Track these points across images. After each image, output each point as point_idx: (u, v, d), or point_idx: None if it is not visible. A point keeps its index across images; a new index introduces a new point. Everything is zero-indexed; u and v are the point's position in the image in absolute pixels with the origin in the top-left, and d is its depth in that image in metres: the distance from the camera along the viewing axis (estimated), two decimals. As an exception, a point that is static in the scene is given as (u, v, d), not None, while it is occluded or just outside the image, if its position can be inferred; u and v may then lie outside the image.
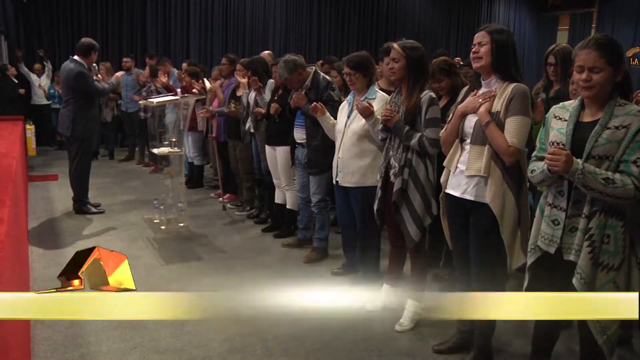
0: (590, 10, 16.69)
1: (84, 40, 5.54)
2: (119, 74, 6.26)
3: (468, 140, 2.59)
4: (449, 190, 2.72)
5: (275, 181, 4.91)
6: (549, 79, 3.54)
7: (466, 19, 16.61)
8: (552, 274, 2.30)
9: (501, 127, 2.47)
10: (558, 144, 2.16)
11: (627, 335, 3.07)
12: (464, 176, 2.60)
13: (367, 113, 3.32)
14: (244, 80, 5.29)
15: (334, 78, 4.47)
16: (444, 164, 2.74)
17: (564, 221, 2.17)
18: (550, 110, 2.35)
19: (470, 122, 2.58)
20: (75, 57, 5.41)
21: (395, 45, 3.10)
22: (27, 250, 4.06)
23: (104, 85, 5.66)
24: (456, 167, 2.65)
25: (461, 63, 4.78)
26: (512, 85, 2.49)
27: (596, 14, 16.51)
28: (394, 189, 3.06)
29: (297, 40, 13.42)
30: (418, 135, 2.99)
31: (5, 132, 5.28)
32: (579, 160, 2.05)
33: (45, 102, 9.84)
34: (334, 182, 3.76)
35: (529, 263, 2.35)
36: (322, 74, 4.32)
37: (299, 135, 4.32)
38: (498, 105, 2.50)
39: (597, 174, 2.02)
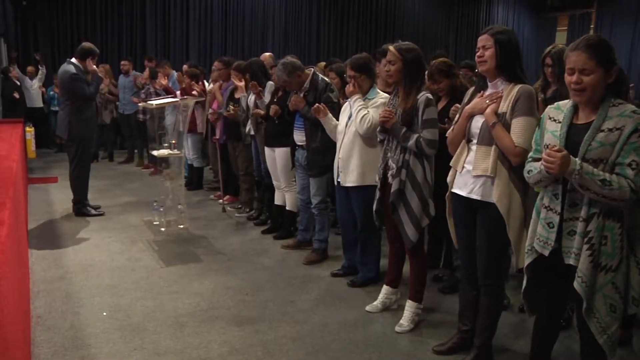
0: (589, 11, 16.75)
1: (85, 44, 5.55)
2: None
3: (475, 141, 2.62)
4: (455, 190, 2.74)
5: (274, 182, 4.91)
6: (546, 80, 3.55)
7: (465, 20, 16.67)
8: (548, 274, 2.31)
9: (507, 127, 2.49)
10: (553, 147, 2.14)
11: (627, 335, 3.07)
12: (470, 176, 2.63)
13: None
14: (242, 84, 5.29)
15: (332, 80, 4.47)
16: (451, 163, 2.77)
17: (558, 224, 2.18)
18: (545, 110, 2.35)
19: (477, 122, 2.60)
20: (73, 59, 5.43)
21: (391, 47, 3.11)
22: (27, 252, 4.06)
23: (90, 89, 5.37)
24: (463, 167, 2.67)
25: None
26: (518, 86, 2.51)
27: (595, 15, 16.56)
28: (392, 190, 3.07)
29: (296, 42, 13.44)
30: (415, 136, 3.00)
31: (5, 134, 5.28)
32: (576, 160, 2.04)
33: (38, 105, 9.80)
34: (335, 182, 3.77)
35: (525, 264, 2.36)
36: (320, 75, 4.33)
37: (299, 137, 4.34)
38: (504, 106, 2.52)
39: (595, 175, 2.01)
